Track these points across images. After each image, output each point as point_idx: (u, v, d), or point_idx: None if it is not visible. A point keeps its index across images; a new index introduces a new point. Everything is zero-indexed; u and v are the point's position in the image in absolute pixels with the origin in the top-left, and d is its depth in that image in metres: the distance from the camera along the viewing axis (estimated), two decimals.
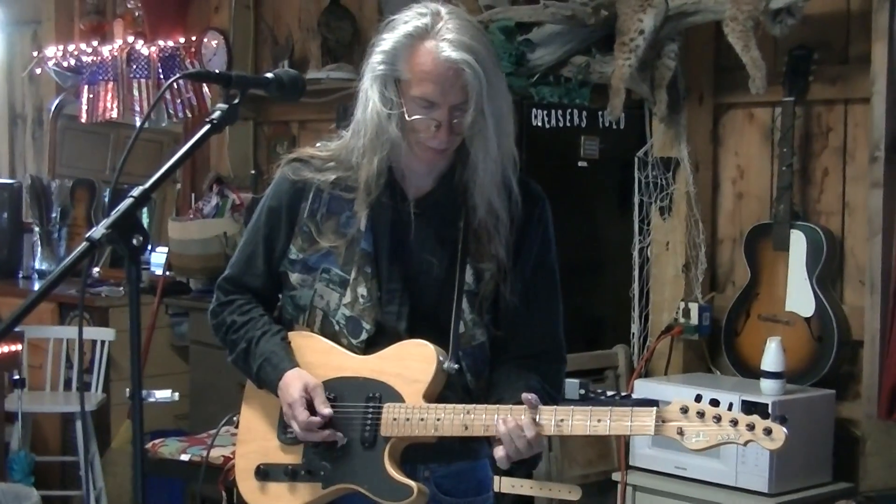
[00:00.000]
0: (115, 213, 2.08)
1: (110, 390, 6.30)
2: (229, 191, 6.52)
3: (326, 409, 2.53)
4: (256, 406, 2.70)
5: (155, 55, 6.92)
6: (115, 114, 7.16)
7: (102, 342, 6.14)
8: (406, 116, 2.47)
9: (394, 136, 2.48)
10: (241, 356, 2.68)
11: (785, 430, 2.28)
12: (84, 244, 2.06)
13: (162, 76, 6.89)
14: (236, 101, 2.34)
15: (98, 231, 2.06)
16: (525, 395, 2.42)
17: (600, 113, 4.87)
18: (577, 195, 4.90)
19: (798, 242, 4.53)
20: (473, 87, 2.42)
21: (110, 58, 7.14)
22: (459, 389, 2.57)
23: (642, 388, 4.53)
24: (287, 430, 2.63)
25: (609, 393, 4.55)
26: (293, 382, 2.55)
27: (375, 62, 2.49)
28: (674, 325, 4.89)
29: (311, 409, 2.53)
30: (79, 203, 7.52)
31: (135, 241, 2.09)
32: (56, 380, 6.30)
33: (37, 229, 7.49)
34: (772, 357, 4.32)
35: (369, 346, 2.59)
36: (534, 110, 4.75)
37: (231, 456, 3.99)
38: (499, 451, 2.44)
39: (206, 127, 2.31)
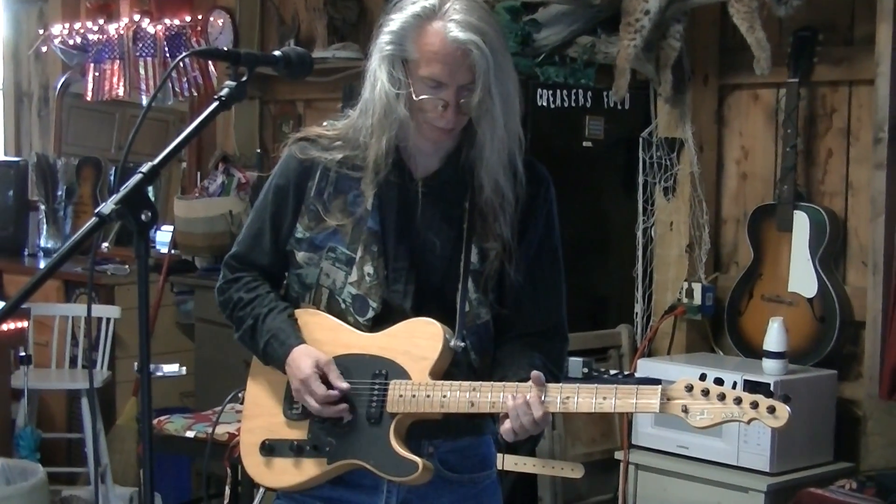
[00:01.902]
0: (124, 189, 2.10)
1: (115, 368, 6.32)
2: (235, 169, 6.53)
3: (343, 384, 2.55)
4: (262, 382, 2.72)
5: (161, 34, 6.92)
6: (120, 92, 7.18)
7: (108, 320, 6.16)
8: (414, 96, 2.48)
9: (402, 116, 2.50)
10: (247, 333, 2.70)
11: (788, 408, 2.30)
12: (94, 219, 2.07)
13: (168, 55, 6.89)
14: (244, 78, 2.36)
15: (108, 206, 2.08)
16: (533, 374, 2.44)
17: (605, 93, 4.89)
18: (581, 175, 4.91)
19: (801, 223, 4.55)
20: (481, 67, 2.44)
21: (116, 36, 7.15)
22: (465, 367, 2.59)
23: (645, 367, 4.55)
24: (293, 405, 2.64)
25: (612, 372, 4.57)
26: (302, 358, 2.57)
27: (383, 42, 2.51)
28: (677, 305, 4.91)
29: (326, 383, 2.55)
30: (84, 181, 7.54)
31: (143, 217, 2.10)
32: (62, 357, 6.33)
33: (42, 207, 7.52)
34: (774, 337, 4.34)
35: (376, 325, 2.60)
36: (539, 90, 4.76)
37: (236, 433, 4.02)
38: (505, 425, 2.46)
39: (215, 104, 2.33)
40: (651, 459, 4.54)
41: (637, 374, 4.53)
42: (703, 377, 2.37)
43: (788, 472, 4.28)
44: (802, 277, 4.55)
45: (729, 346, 4.83)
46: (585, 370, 4.36)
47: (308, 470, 2.62)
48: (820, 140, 4.71)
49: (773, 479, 4.23)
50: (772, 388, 4.03)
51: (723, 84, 4.97)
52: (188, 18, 6.87)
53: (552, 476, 4.46)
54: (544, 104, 4.77)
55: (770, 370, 4.33)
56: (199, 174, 6.91)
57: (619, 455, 4.64)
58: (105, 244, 6.94)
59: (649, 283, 5.07)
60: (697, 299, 4.86)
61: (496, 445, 2.76)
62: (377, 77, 2.52)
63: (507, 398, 2.45)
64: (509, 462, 4.04)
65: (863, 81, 4.54)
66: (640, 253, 5.08)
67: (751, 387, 2.38)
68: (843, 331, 4.49)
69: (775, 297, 4.63)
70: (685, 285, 4.90)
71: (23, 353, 5.89)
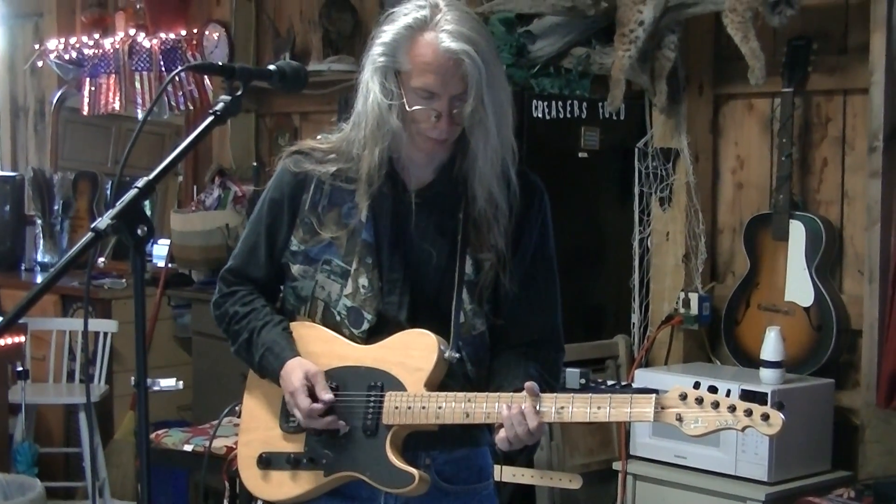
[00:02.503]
0: (119, 204, 2.10)
1: (113, 382, 6.32)
2: (231, 183, 6.54)
3: (327, 395, 2.55)
4: (259, 395, 2.72)
5: (156, 48, 6.94)
6: (116, 106, 7.19)
7: (105, 334, 6.16)
8: (407, 107, 2.49)
9: (395, 127, 2.51)
10: (243, 346, 2.71)
11: (782, 415, 2.30)
12: (89, 234, 2.08)
13: (163, 69, 6.90)
14: (240, 92, 2.36)
15: (103, 221, 2.08)
16: (527, 384, 2.44)
17: (600, 104, 4.89)
18: (577, 186, 4.91)
19: (797, 232, 4.55)
20: (473, 77, 2.44)
21: (112, 50, 7.16)
22: (460, 378, 2.59)
23: (643, 377, 4.55)
24: (289, 418, 2.65)
25: (609, 382, 4.57)
26: (294, 371, 2.58)
27: (376, 54, 2.52)
28: (674, 315, 4.91)
29: (314, 396, 2.56)
30: (81, 195, 7.54)
31: (140, 232, 2.11)
32: (59, 371, 6.32)
33: (39, 222, 7.52)
34: (771, 346, 4.34)
35: (371, 336, 2.61)
36: (534, 101, 4.76)
37: (234, 446, 4.02)
38: (500, 435, 2.47)
39: (210, 118, 2.34)
40: (649, 469, 4.53)
41: (634, 385, 4.53)
42: (696, 385, 2.37)
43: (786, 481, 4.27)
44: (799, 286, 4.55)
45: (726, 355, 4.83)
46: (583, 381, 4.36)
47: (305, 482, 2.62)
48: (815, 149, 4.71)
49: (771, 488, 4.22)
50: (769, 398, 4.06)
51: (718, 94, 4.97)
52: (183, 32, 6.88)
53: (550, 487, 4.45)
54: (539, 115, 4.77)
55: (767, 379, 4.33)
56: (195, 187, 6.91)
57: (617, 465, 4.64)
58: (101, 259, 6.93)
59: (646, 294, 5.07)
60: (694, 309, 4.86)
61: (493, 456, 2.76)
62: (370, 89, 2.52)
63: (502, 408, 2.45)
64: (507, 473, 4.03)
65: (857, 90, 4.54)
66: (636, 263, 5.08)
67: (748, 396, 2.38)
68: (839, 339, 4.49)
69: (772, 307, 4.63)
70: (682, 295, 4.90)
71: (20, 368, 5.88)
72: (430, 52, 2.46)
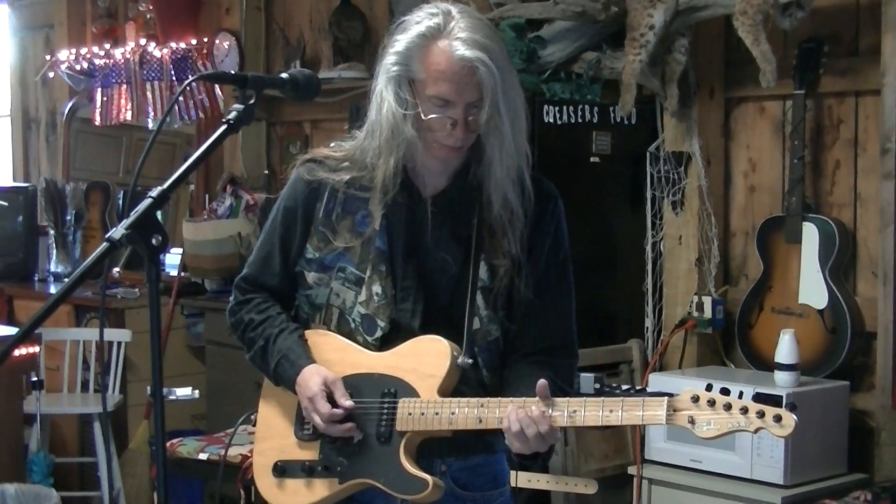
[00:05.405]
0: (134, 214, 2.11)
1: (127, 391, 6.33)
2: (243, 191, 6.54)
3: (347, 402, 2.56)
4: (274, 404, 2.73)
5: (167, 57, 6.95)
6: (128, 116, 7.20)
7: (119, 343, 6.16)
8: (422, 116, 2.49)
9: (409, 136, 2.51)
10: (258, 354, 2.71)
11: (794, 416, 2.29)
12: (104, 244, 2.08)
13: (174, 78, 6.91)
14: (252, 101, 2.37)
15: (118, 231, 2.09)
16: (539, 384, 2.43)
17: (611, 108, 4.89)
18: (589, 191, 4.91)
19: (810, 235, 4.54)
20: (488, 83, 2.45)
21: (123, 60, 7.17)
22: (475, 384, 2.60)
23: (657, 381, 4.54)
24: (304, 426, 2.65)
25: (624, 387, 4.57)
26: (312, 377, 2.58)
27: (389, 63, 2.52)
28: (687, 319, 4.90)
29: (332, 402, 2.56)
30: (93, 206, 7.55)
31: (154, 242, 2.12)
32: (73, 381, 6.33)
33: (52, 232, 7.53)
34: (785, 349, 4.33)
35: (384, 344, 2.61)
36: (545, 107, 4.76)
37: (249, 454, 4.02)
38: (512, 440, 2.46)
39: (223, 127, 2.34)
40: (664, 474, 4.52)
41: (648, 389, 4.52)
42: (709, 387, 2.37)
43: (802, 484, 4.26)
44: (812, 289, 4.54)
45: (740, 358, 4.82)
46: (597, 385, 4.36)
47: (320, 490, 2.62)
48: (827, 151, 4.70)
49: (787, 491, 4.21)
50: (784, 401, 4.04)
51: (729, 97, 4.96)
52: (194, 41, 6.89)
53: (566, 492, 4.45)
54: (551, 120, 4.77)
55: (782, 382, 4.32)
56: (207, 196, 6.92)
57: (632, 470, 4.63)
58: (117, 269, 6.94)
59: (659, 298, 5.06)
60: (708, 313, 4.85)
61: (509, 463, 2.76)
62: (384, 98, 2.52)
63: (513, 412, 2.45)
64: (522, 479, 4.03)
65: (869, 92, 4.53)
66: (649, 267, 5.07)
67: (763, 399, 2.37)
68: (854, 342, 4.47)
69: (786, 310, 4.62)
70: (695, 299, 4.90)
71: (34, 378, 5.89)
72: (444, 60, 2.46)
